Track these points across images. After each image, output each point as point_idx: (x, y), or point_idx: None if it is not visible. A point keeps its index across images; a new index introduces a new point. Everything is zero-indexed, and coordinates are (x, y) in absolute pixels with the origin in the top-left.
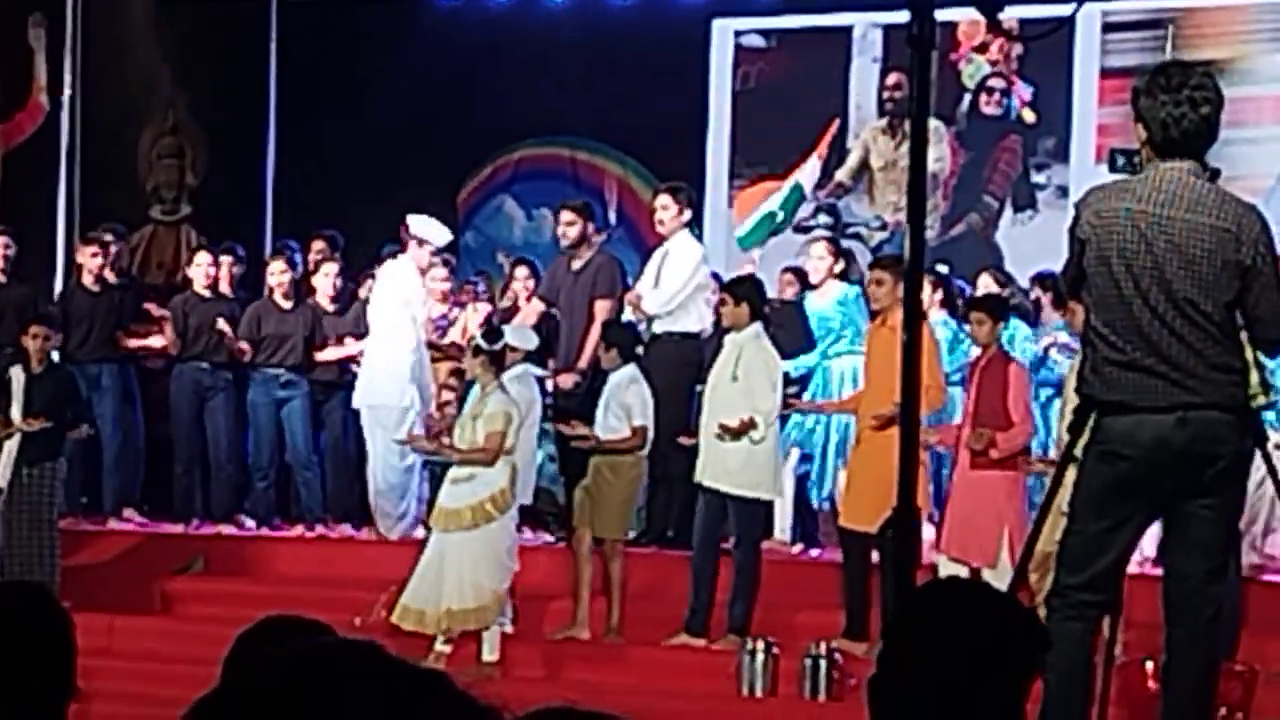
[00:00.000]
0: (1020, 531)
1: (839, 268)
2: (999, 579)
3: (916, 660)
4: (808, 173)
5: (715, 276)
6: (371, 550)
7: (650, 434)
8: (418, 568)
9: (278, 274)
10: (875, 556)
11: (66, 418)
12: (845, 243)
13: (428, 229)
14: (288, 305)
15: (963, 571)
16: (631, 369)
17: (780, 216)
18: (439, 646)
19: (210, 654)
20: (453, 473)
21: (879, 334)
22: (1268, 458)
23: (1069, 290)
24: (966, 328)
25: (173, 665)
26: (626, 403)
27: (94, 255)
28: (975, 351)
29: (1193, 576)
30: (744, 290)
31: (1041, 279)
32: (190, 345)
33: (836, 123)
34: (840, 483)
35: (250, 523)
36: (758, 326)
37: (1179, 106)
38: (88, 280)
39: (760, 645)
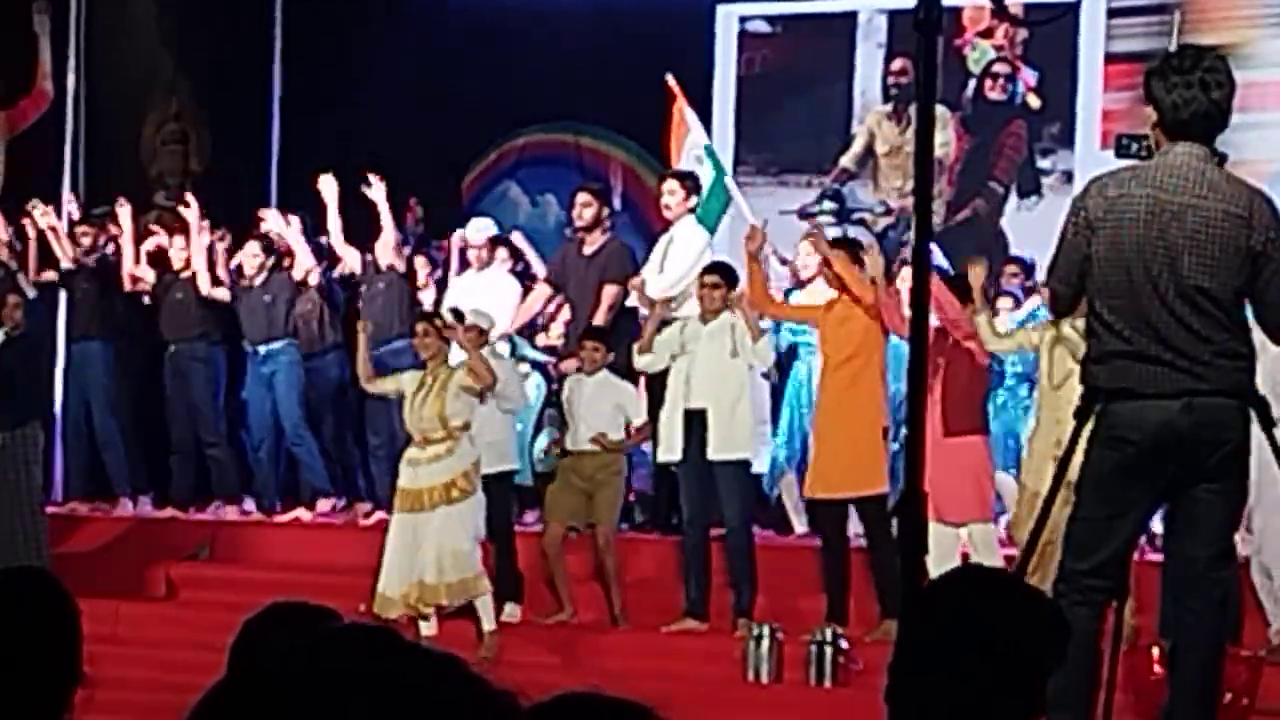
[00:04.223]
0: (991, 486)
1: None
2: (988, 536)
3: (937, 649)
4: (696, 126)
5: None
6: (377, 536)
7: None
8: (391, 554)
9: (248, 257)
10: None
11: (32, 384)
12: (850, 229)
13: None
14: (258, 281)
15: (950, 534)
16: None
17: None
18: (426, 630)
19: (216, 640)
20: (413, 454)
21: (836, 309)
22: (1275, 444)
23: (1064, 280)
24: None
25: (178, 651)
26: (622, 404)
27: (84, 235)
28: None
29: (1199, 561)
30: (734, 276)
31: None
32: (175, 328)
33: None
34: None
35: (250, 504)
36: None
37: (1190, 89)
38: (84, 259)
39: (765, 630)
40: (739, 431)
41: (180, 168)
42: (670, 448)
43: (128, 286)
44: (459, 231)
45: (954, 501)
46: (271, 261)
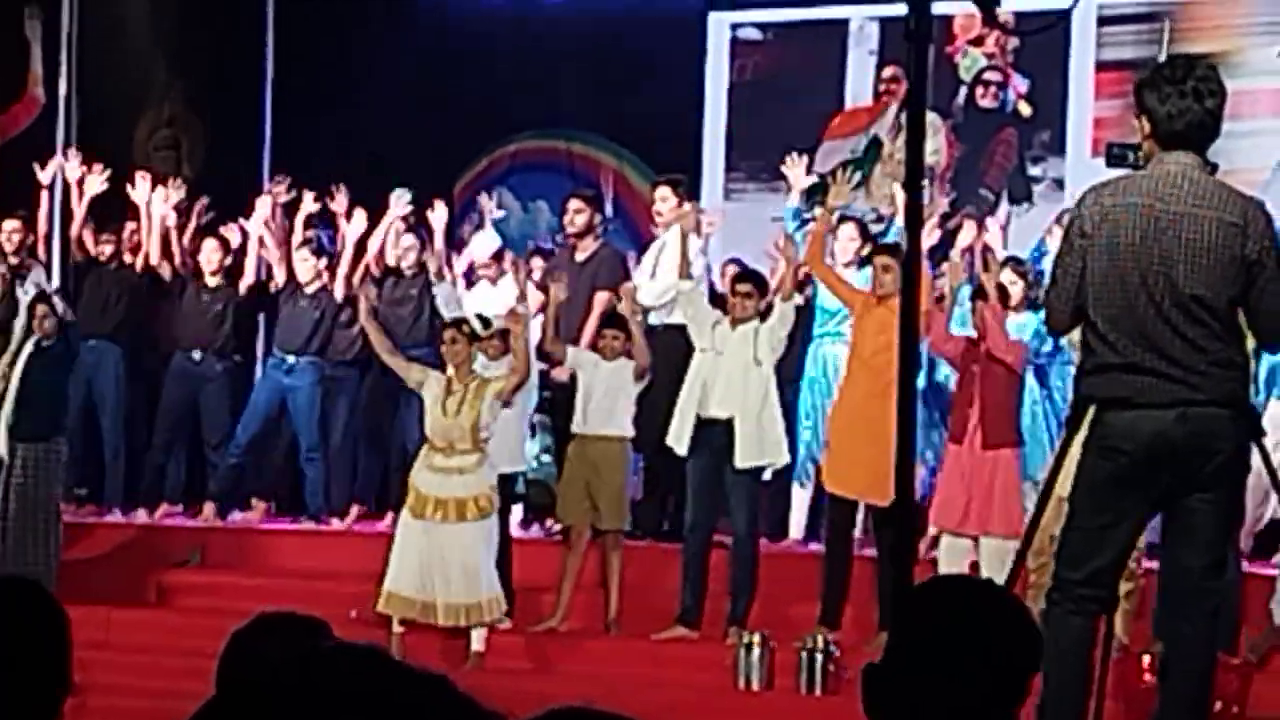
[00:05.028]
0: (1018, 501)
1: (865, 250)
2: (1003, 552)
3: (918, 658)
4: (887, 124)
5: (739, 263)
6: (368, 543)
7: None
8: (404, 554)
9: (299, 261)
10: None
11: (59, 397)
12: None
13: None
14: (309, 290)
15: (964, 545)
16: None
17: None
18: (397, 629)
19: (207, 647)
20: (438, 461)
21: (877, 312)
22: (1264, 452)
23: (1061, 295)
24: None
25: (170, 658)
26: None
27: (108, 241)
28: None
29: (1193, 570)
30: (763, 282)
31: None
32: (186, 334)
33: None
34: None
35: (238, 515)
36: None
37: (1184, 99)
38: (103, 262)
39: (756, 638)
40: (768, 437)
41: (172, 173)
42: (677, 439)
43: (139, 265)
44: (467, 248)
45: (979, 512)
46: (324, 264)
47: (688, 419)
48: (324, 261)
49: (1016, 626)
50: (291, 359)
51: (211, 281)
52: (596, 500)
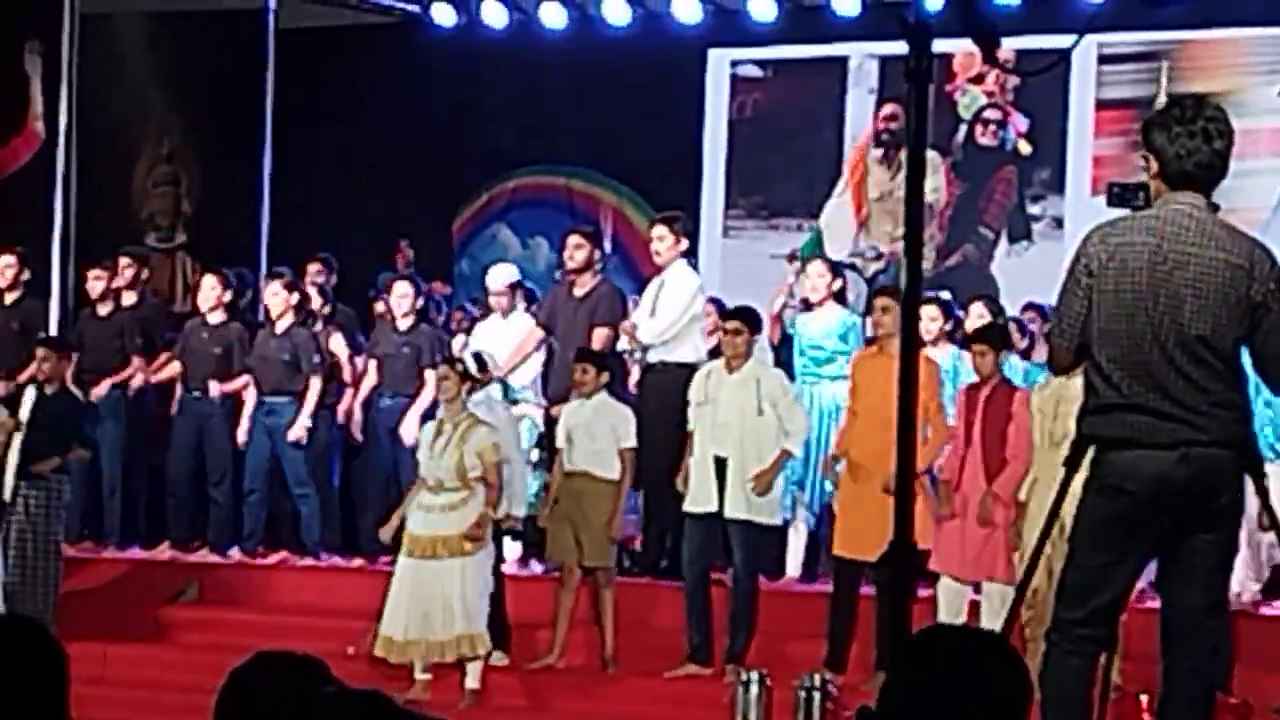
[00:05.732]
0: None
1: (837, 285)
2: (1007, 596)
3: (913, 704)
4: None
5: (717, 302)
6: (365, 579)
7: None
8: (395, 598)
9: (270, 295)
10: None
11: (67, 439)
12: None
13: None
14: (281, 329)
15: (965, 590)
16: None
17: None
18: (419, 675)
19: (204, 682)
20: (426, 500)
21: (876, 361)
22: (1263, 491)
23: (1065, 334)
24: (965, 356)
25: (167, 694)
26: (615, 425)
27: (97, 279)
28: (965, 380)
29: (1195, 610)
30: (756, 320)
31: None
32: (193, 373)
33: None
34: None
35: (236, 552)
36: (763, 354)
37: (1193, 139)
38: (99, 306)
39: (754, 676)
40: (761, 494)
41: (172, 209)
42: (702, 499)
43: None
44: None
45: (979, 559)
46: (295, 300)
47: (708, 479)
48: (295, 297)
49: (1012, 676)
50: (269, 400)
51: (213, 319)
52: (580, 537)
